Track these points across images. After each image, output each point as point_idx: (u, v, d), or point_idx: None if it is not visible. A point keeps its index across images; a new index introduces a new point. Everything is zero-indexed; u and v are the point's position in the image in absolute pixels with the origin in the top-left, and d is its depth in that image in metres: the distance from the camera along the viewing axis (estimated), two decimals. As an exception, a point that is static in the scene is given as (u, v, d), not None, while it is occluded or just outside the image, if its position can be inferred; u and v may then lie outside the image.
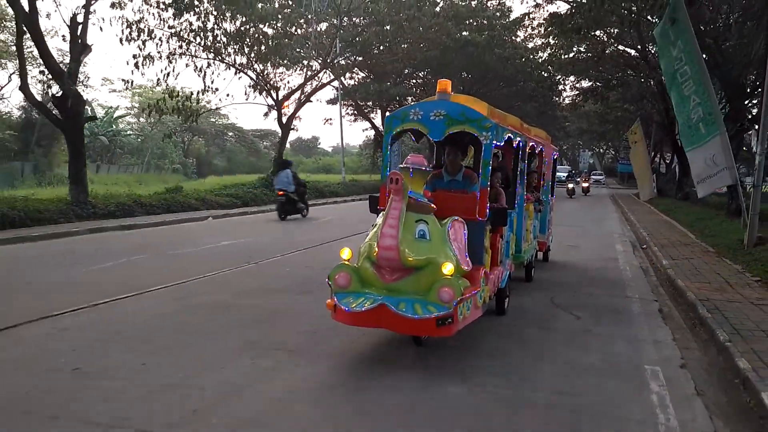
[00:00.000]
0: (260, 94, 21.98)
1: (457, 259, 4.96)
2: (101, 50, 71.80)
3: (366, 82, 29.57)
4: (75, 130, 14.88)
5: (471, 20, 26.48)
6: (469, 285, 5.07)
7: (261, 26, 19.52)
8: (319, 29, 22.23)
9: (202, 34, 19.00)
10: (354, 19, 21.71)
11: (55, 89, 15.61)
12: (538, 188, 9.24)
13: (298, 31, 21.35)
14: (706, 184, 14.14)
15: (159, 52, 18.70)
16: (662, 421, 3.91)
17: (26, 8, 13.88)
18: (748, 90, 17.03)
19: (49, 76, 14.96)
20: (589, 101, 37.71)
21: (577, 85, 38.87)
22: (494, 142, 5.62)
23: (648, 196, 31.55)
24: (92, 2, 14.93)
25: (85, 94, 16.79)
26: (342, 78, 27.05)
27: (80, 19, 14.98)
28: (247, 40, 19.36)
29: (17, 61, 16.52)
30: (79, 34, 14.97)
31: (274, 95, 22.41)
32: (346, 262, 5.05)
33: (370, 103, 34.18)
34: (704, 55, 17.12)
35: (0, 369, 4.57)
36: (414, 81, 35.27)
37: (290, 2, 21.74)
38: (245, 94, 29.73)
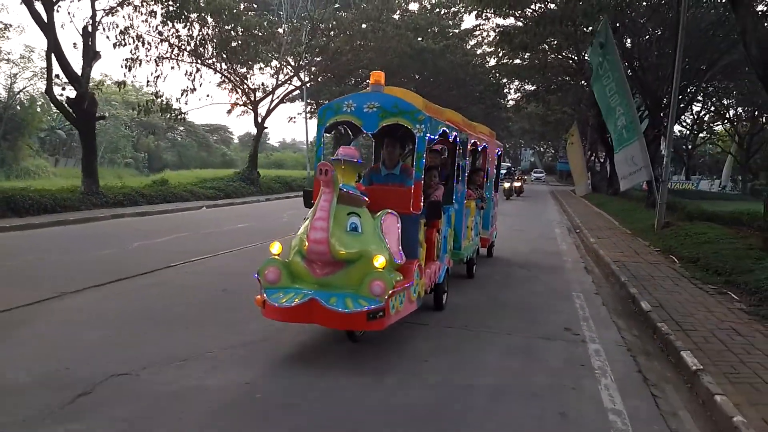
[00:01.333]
0: (239, 95, 24.25)
1: (389, 252, 4.97)
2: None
3: (328, 84, 32.01)
4: (88, 128, 16.73)
5: (428, 29, 29.22)
6: (402, 278, 5.07)
7: (242, 33, 21.61)
8: (291, 38, 24.49)
9: (188, 40, 20.95)
10: (321, 25, 24.00)
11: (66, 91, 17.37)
12: (482, 186, 9.26)
13: (275, 39, 23.62)
14: (628, 180, 17.18)
15: (148, 57, 20.61)
16: (581, 314, 6.62)
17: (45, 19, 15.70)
18: (664, 102, 20.29)
19: (65, 80, 16.74)
20: (531, 103, 41.15)
21: (521, 89, 42.34)
22: (428, 135, 5.60)
23: (583, 191, 35.05)
24: (103, 16, 16.82)
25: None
26: (308, 80, 29.38)
27: (89, 29, 16.87)
28: (231, 45, 21.54)
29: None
30: (90, 43, 16.83)
31: (252, 96, 24.62)
32: (276, 257, 5.01)
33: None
34: (629, 71, 20.39)
35: (174, 292, 6.90)
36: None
37: (267, 14, 24.06)
38: (229, 96, 31.21)
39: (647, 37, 21.61)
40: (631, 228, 15.27)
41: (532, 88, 38.81)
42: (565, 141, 51.04)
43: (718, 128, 48.98)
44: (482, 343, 5.51)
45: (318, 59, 26.40)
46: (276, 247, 5.07)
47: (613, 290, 8.17)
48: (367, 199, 5.13)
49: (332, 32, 24.59)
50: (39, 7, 15.43)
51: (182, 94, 21.53)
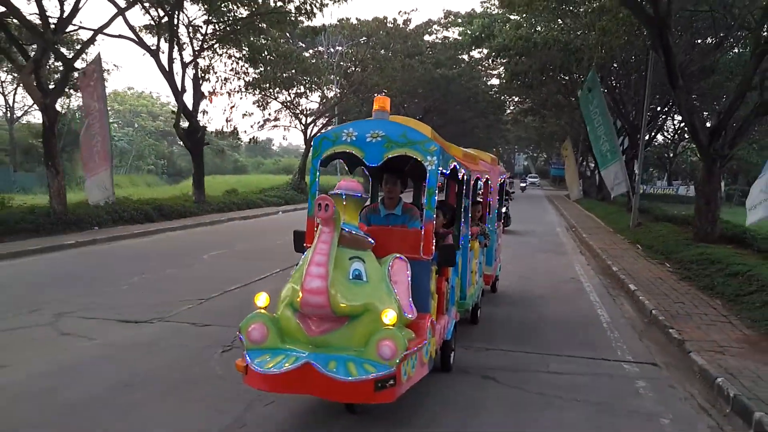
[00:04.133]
0: (296, 119, 29.59)
1: (399, 305, 4.25)
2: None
3: (357, 104, 37.41)
4: (199, 152, 21.78)
5: (447, 61, 34.58)
6: (415, 338, 4.36)
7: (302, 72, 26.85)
8: (337, 72, 29.81)
9: (259, 79, 26.11)
10: (359, 64, 29.26)
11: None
12: (483, 219, 8.33)
13: (325, 74, 28.93)
14: (614, 190, 22.52)
15: (224, 90, 25.73)
16: (579, 272, 11.80)
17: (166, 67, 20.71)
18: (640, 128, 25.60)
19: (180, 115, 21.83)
20: (528, 116, 46.45)
21: (520, 105, 47.66)
22: (440, 168, 4.81)
23: (576, 197, 40.35)
24: (208, 72, 21.96)
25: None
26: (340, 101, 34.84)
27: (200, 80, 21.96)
28: (293, 83, 26.78)
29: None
30: (198, 87, 21.90)
31: (304, 120, 29.89)
32: (262, 311, 4.25)
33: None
34: (612, 102, 25.63)
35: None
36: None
37: (316, 53, 29.44)
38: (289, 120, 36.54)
39: (623, 81, 26.93)
40: (612, 227, 20.46)
41: (529, 104, 44.19)
42: (558, 147, 56.54)
43: (694, 138, 54.13)
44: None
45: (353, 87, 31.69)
46: (262, 299, 4.31)
47: (598, 263, 13.35)
48: (372, 241, 4.46)
49: (369, 67, 29.80)
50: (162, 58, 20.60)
51: (257, 123, 26.73)
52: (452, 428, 4.49)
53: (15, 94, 41.30)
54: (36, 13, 14.63)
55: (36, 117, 44.73)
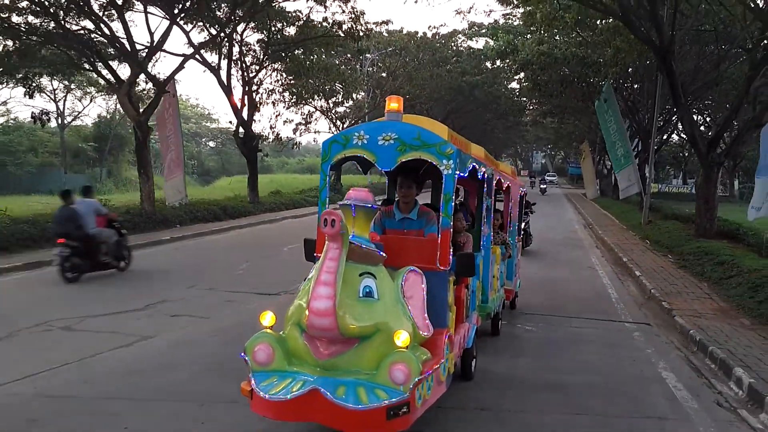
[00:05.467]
0: (332, 123, 32.31)
1: (413, 323, 4.08)
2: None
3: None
4: (253, 158, 24.39)
5: (472, 70, 37.05)
6: (430, 357, 4.18)
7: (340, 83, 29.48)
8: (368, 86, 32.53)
9: (301, 90, 28.72)
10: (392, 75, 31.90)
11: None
12: (503, 228, 8.21)
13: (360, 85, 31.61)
14: (626, 190, 24.82)
15: (269, 101, 28.37)
16: (595, 262, 14.21)
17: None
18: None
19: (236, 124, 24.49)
20: (547, 117, 48.59)
21: (540, 108, 49.75)
22: (457, 172, 4.61)
23: (593, 196, 42.56)
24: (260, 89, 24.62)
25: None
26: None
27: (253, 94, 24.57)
28: (333, 93, 29.44)
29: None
30: (252, 101, 24.51)
31: (339, 125, 32.60)
32: (268, 330, 4.09)
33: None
34: (625, 107, 27.81)
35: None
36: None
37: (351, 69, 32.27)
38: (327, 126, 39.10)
39: (637, 87, 29.13)
40: (626, 224, 22.74)
41: (548, 107, 46.27)
42: (576, 147, 58.51)
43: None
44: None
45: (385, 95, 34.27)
46: (267, 318, 4.17)
47: (611, 255, 15.71)
48: (384, 255, 4.25)
49: (400, 78, 32.28)
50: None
51: (296, 127, 29.38)
52: (503, 365, 6.38)
53: (65, 101, 44.48)
54: (123, 38, 17.10)
55: (83, 121, 47.80)
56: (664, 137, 33.45)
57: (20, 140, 40.52)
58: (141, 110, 17.40)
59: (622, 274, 12.91)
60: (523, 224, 12.47)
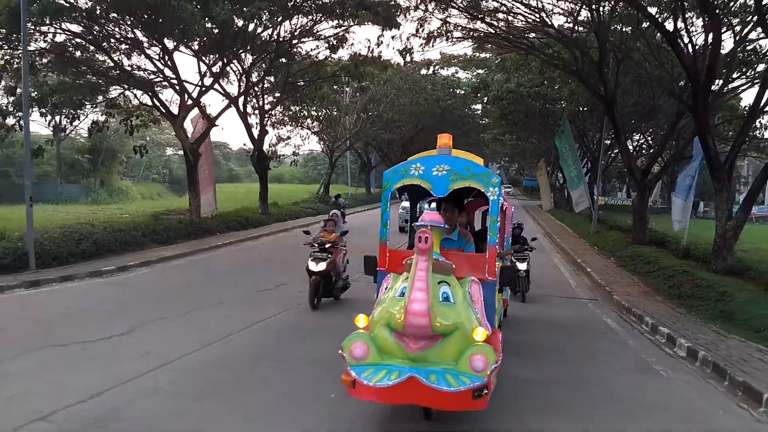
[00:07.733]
0: (323, 143, 36.50)
1: (479, 323, 4.87)
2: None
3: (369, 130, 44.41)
4: (264, 172, 28.22)
5: (445, 95, 41.81)
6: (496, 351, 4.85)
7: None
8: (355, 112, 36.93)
9: (302, 117, 32.76)
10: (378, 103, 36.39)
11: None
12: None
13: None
14: (579, 205, 29.70)
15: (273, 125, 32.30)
16: (556, 263, 18.74)
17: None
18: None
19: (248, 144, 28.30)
20: (506, 135, 53.64)
21: (501, 127, 54.85)
22: (500, 198, 5.52)
23: (548, 207, 47.70)
24: (270, 114, 28.51)
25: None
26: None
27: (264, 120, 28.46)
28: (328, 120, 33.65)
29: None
30: (263, 124, 28.40)
31: (330, 144, 36.75)
32: (362, 331, 4.92)
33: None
34: (576, 134, 32.84)
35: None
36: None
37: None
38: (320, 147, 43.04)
39: (588, 116, 34.33)
40: (578, 234, 27.53)
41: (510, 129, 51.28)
42: (530, 161, 63.80)
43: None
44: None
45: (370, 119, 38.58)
46: (362, 321, 4.98)
47: (568, 257, 20.27)
48: (454, 266, 5.07)
49: (383, 104, 36.63)
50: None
51: (296, 147, 33.43)
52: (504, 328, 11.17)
53: (61, 116, 46.93)
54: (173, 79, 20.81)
55: (78, 134, 50.35)
56: (611, 154, 38.84)
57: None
58: (193, 140, 21.09)
59: (578, 271, 17.46)
60: (518, 263, 11.98)
